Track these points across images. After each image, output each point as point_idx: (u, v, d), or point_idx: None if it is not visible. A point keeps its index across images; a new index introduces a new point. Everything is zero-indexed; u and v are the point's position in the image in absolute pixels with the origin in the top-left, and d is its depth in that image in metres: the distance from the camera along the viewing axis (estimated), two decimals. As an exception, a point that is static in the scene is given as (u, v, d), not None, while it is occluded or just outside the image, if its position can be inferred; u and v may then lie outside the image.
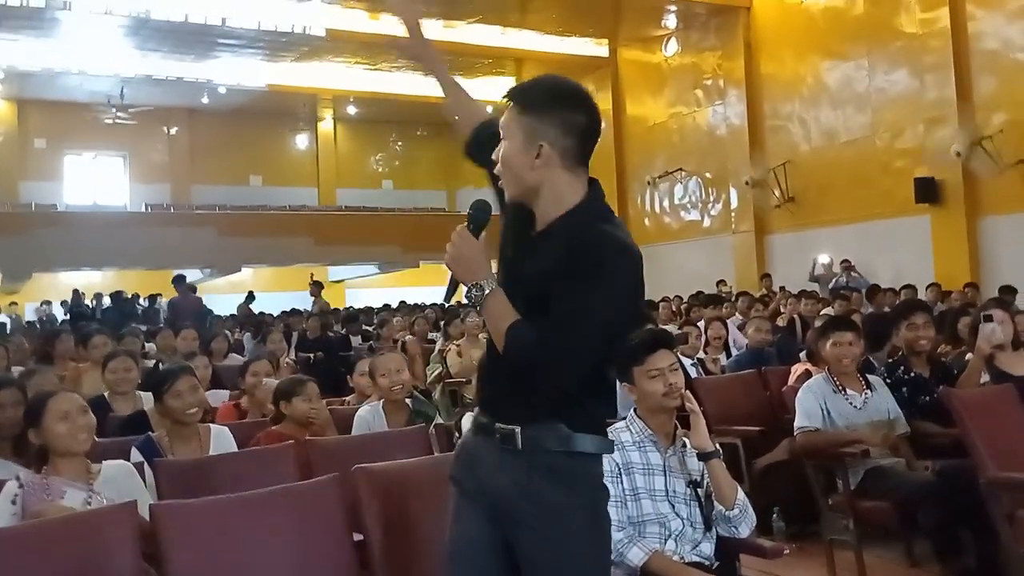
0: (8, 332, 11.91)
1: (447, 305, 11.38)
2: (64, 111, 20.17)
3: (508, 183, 1.76)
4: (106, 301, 15.80)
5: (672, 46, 16.82)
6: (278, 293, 16.86)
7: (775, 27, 14.94)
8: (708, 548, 2.53)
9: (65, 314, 15.60)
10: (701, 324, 6.46)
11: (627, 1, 15.78)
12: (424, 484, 2.50)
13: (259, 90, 19.19)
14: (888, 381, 3.92)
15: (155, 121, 21.31)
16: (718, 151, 15.91)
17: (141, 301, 15.89)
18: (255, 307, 13.95)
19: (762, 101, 15.18)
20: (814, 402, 3.65)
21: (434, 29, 14.41)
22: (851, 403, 3.69)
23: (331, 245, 18.29)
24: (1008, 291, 8.93)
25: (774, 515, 4.09)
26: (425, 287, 18.50)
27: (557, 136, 1.69)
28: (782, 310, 9.41)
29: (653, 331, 2.72)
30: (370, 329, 10.51)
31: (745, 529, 2.55)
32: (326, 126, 23.88)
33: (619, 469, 2.51)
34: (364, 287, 21.15)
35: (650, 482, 2.53)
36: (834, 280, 12.52)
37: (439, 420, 3.83)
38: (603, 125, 1.79)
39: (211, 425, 3.43)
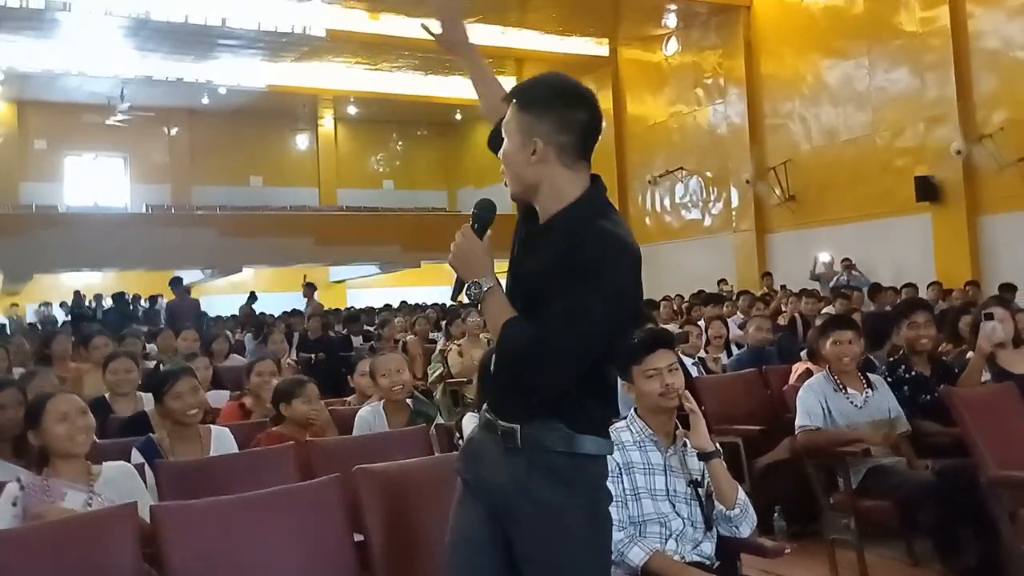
0: (9, 333, 11.90)
1: (448, 305, 11.41)
2: (64, 112, 20.17)
3: (509, 180, 1.78)
4: (107, 302, 15.81)
5: (672, 45, 16.80)
6: (279, 293, 16.82)
7: (775, 26, 14.92)
8: (709, 548, 2.53)
9: (66, 315, 15.61)
10: (702, 323, 6.47)
11: (627, 0, 15.77)
12: (425, 484, 2.50)
13: (259, 90, 19.18)
14: (889, 380, 3.91)
15: (155, 122, 21.29)
16: (719, 150, 15.90)
17: (142, 302, 15.91)
18: (256, 307, 13.94)
19: (762, 100, 15.16)
20: (815, 401, 3.65)
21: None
22: (852, 402, 3.68)
23: (332, 245, 18.26)
24: (1008, 289, 8.92)
25: (775, 514, 4.07)
26: (426, 287, 18.52)
27: (553, 133, 1.69)
28: (783, 309, 9.40)
29: (653, 330, 2.72)
30: (371, 329, 10.52)
31: (746, 528, 2.54)
32: (326, 126, 23.85)
33: (620, 469, 2.50)
34: (365, 287, 21.13)
35: (651, 482, 2.53)
36: (835, 279, 12.52)
37: (440, 420, 3.82)
38: (604, 123, 1.79)
39: (212, 426, 3.43)
